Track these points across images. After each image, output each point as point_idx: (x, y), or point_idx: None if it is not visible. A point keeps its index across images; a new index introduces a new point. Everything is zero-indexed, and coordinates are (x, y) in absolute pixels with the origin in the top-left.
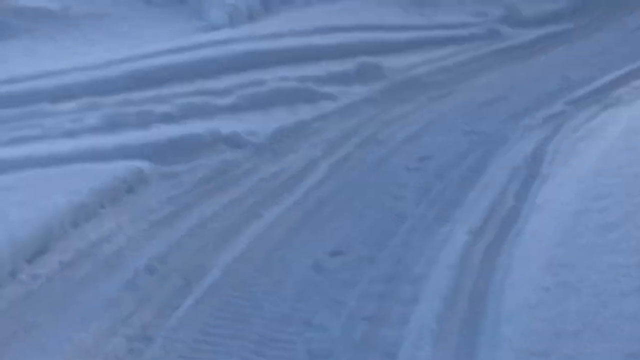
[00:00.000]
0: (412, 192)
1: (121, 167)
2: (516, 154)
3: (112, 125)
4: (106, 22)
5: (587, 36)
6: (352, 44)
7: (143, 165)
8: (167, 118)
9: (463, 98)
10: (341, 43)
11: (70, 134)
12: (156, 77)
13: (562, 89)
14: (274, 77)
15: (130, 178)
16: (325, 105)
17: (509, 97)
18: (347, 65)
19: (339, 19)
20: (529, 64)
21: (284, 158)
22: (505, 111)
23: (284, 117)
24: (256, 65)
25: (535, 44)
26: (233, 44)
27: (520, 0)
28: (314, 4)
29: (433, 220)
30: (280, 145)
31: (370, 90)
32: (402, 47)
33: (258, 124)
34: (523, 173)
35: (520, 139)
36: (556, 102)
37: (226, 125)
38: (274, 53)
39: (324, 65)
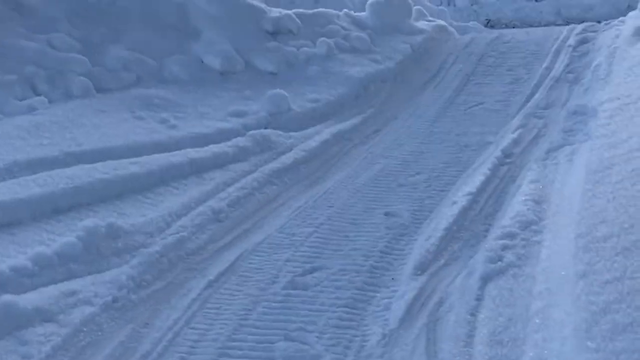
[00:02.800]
0: None
1: None
2: None
3: None
4: None
5: (384, 132)
6: (69, 191)
7: None
8: None
9: (259, 278)
10: (52, 192)
11: None
12: None
13: (396, 240)
14: None
15: None
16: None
17: (328, 264)
18: (66, 236)
19: (41, 145)
20: (330, 191)
21: None
22: (340, 300)
23: None
24: None
25: (325, 154)
26: None
27: (284, 87)
28: None
29: None
30: None
31: (113, 283)
32: (146, 185)
33: None
34: None
35: None
36: (401, 272)
37: None
38: None
39: (26, 245)
